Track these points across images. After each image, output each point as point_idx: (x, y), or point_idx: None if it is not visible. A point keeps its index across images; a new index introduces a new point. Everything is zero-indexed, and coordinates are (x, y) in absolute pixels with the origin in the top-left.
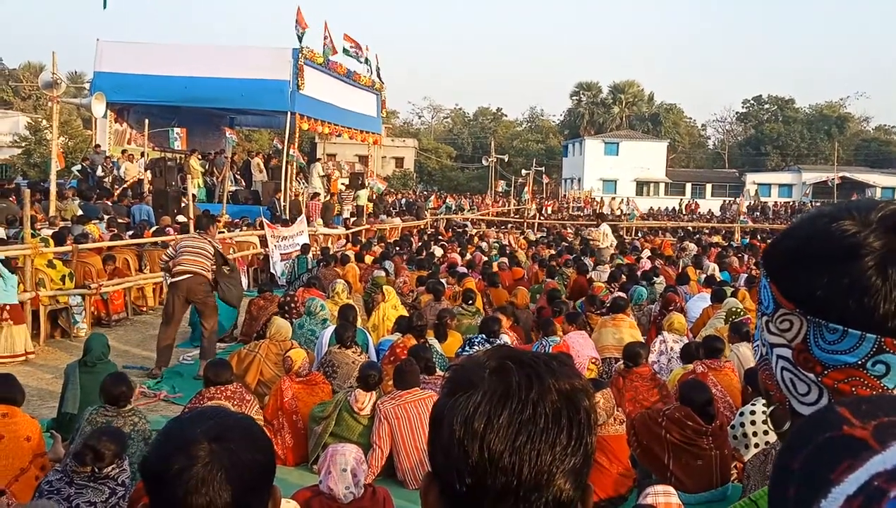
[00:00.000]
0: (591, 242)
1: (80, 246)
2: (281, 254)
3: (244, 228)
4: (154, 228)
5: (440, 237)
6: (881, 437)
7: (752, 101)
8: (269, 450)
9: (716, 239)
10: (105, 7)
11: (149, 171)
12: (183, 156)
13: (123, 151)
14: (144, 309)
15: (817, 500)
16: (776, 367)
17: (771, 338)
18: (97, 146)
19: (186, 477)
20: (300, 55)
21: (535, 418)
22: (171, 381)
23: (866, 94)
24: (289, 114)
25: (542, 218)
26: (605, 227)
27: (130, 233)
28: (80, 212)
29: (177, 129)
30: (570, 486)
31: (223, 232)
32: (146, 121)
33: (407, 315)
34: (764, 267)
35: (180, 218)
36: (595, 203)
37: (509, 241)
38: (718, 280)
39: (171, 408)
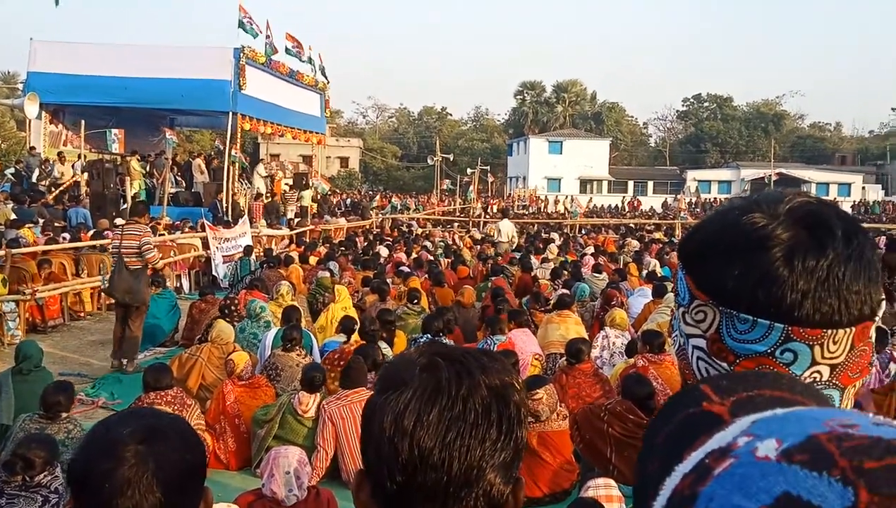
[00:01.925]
0: (487, 237)
1: (14, 250)
2: (223, 257)
3: (186, 230)
4: (91, 232)
5: (386, 237)
6: (736, 412)
7: (692, 100)
8: (199, 450)
9: (657, 235)
10: (57, 5)
11: (86, 174)
12: (121, 157)
13: (59, 153)
14: (82, 314)
15: (666, 477)
16: (692, 357)
17: (687, 329)
18: (32, 148)
19: (112, 480)
20: (242, 55)
21: (464, 414)
22: (110, 387)
23: (801, 92)
24: (230, 114)
25: (487, 216)
26: (504, 224)
27: (66, 236)
28: (13, 217)
29: (114, 131)
30: (501, 480)
31: (163, 234)
32: (82, 122)
33: (356, 317)
34: (679, 260)
35: (119, 220)
36: (540, 201)
37: (455, 240)
38: (659, 275)
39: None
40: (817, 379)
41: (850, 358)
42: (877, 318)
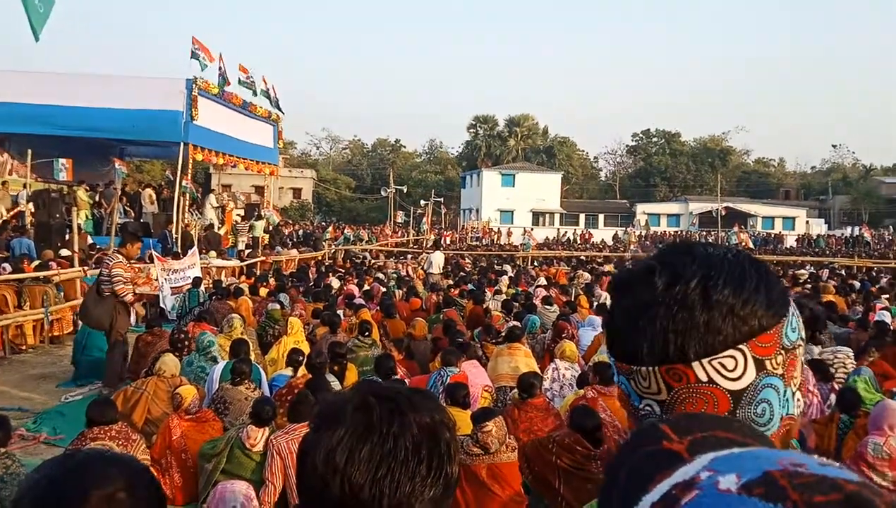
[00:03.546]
0: (418, 268)
1: None
2: (171, 288)
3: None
4: (36, 262)
5: (338, 268)
6: (693, 450)
7: (641, 135)
8: (154, 491)
9: (608, 267)
10: (37, 40)
11: (31, 204)
12: (68, 187)
13: (3, 182)
14: (24, 347)
15: (633, 506)
16: None
17: None
18: None
19: None
20: (194, 85)
21: (395, 451)
22: (53, 422)
23: (745, 128)
24: (182, 144)
25: (442, 248)
26: (436, 255)
27: (6, 267)
28: None
29: (62, 160)
30: None
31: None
32: (29, 151)
33: (307, 350)
34: None
35: (64, 251)
36: (493, 233)
37: (408, 272)
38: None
39: (52, 450)
40: (650, 413)
41: (676, 397)
42: (697, 363)
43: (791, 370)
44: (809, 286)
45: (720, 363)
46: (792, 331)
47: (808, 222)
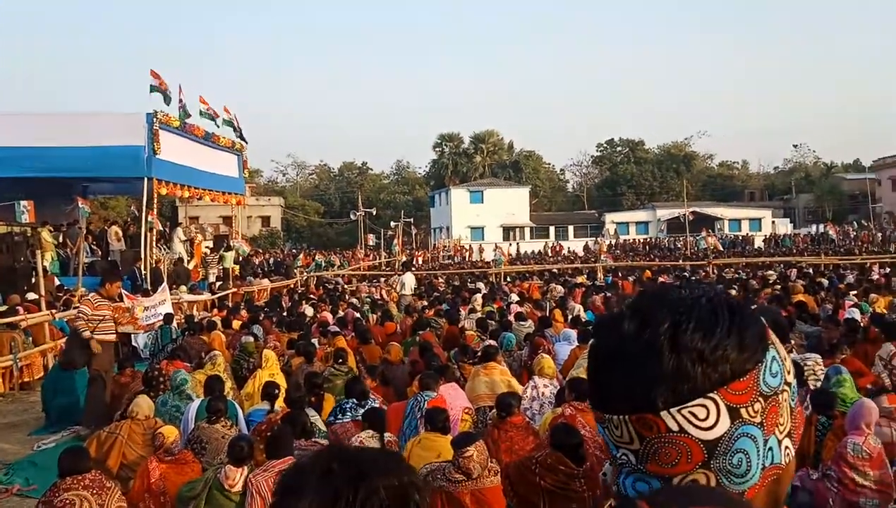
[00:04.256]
0: (392, 289)
1: None
2: (142, 326)
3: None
4: (2, 308)
5: (311, 295)
6: None
7: (605, 145)
8: None
9: (580, 279)
10: None
11: None
12: (32, 229)
13: None
14: None
15: None
16: None
17: None
18: None
19: None
20: (154, 119)
21: None
22: (25, 472)
23: (708, 133)
24: (146, 179)
25: (413, 269)
26: (407, 277)
27: None
28: None
29: (24, 202)
30: None
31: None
32: None
33: (282, 382)
34: None
35: (31, 295)
36: (464, 250)
37: (381, 295)
38: (584, 320)
39: (25, 503)
40: (625, 462)
41: (649, 446)
42: (666, 413)
43: (773, 417)
44: (779, 287)
45: (690, 412)
46: (772, 377)
47: (774, 222)
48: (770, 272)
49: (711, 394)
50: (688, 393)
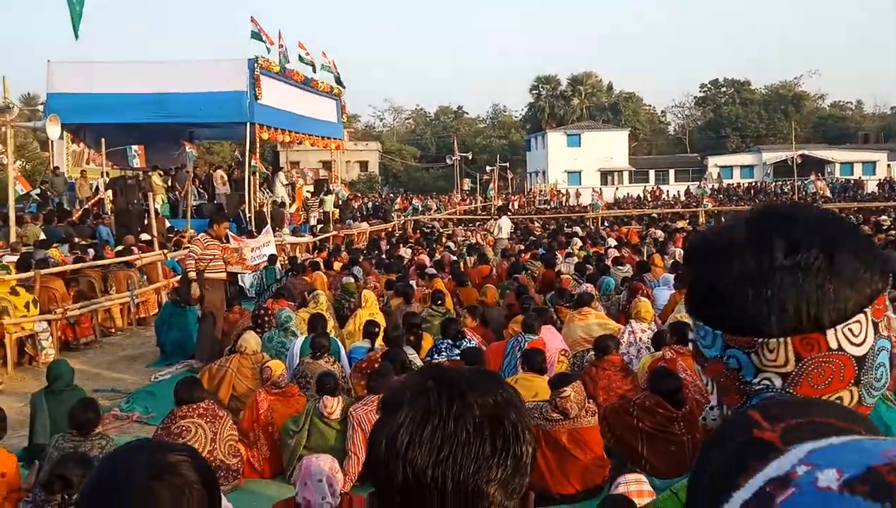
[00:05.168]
0: (488, 233)
1: (42, 270)
2: (249, 266)
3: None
4: (118, 247)
5: (408, 239)
6: (788, 439)
7: (709, 85)
8: (211, 481)
9: (681, 224)
10: (77, 38)
11: (109, 191)
12: (143, 173)
13: (82, 172)
14: (113, 330)
15: (722, 503)
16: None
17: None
18: (55, 168)
19: None
20: (256, 65)
21: (456, 433)
22: (144, 402)
23: (818, 72)
24: (248, 124)
25: (509, 213)
26: (503, 220)
27: (91, 252)
28: (42, 237)
29: (134, 147)
30: (501, 496)
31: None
32: (103, 140)
33: (382, 321)
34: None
35: (144, 236)
36: (561, 194)
37: (478, 239)
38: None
39: (145, 429)
40: (768, 387)
41: (803, 368)
42: (831, 331)
43: (892, 331)
44: (893, 232)
45: (849, 329)
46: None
47: (889, 166)
48: (884, 218)
49: (865, 310)
50: (849, 310)
